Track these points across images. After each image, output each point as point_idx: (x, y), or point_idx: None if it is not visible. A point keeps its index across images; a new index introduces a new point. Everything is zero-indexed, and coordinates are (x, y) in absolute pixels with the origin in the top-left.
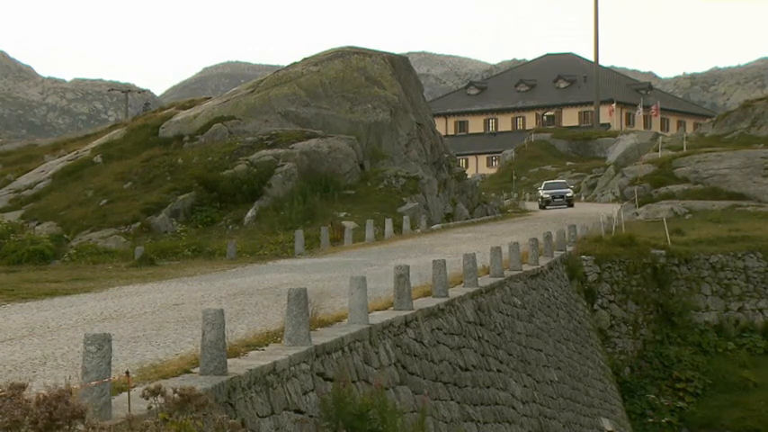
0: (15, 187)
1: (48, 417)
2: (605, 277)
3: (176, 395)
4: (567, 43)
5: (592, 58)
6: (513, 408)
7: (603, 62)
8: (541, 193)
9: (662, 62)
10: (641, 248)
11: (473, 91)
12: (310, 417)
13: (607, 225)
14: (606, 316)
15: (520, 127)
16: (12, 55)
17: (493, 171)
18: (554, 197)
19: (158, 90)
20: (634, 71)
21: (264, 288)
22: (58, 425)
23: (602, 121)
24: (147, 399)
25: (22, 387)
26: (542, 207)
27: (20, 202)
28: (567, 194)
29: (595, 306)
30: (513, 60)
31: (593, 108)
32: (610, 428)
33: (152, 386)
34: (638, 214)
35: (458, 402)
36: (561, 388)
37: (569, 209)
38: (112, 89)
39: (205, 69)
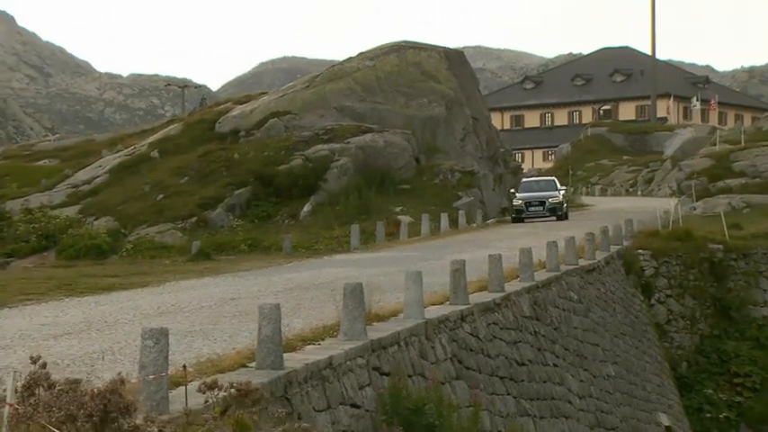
0: (73, 182)
1: (102, 410)
2: (662, 272)
3: (233, 390)
4: (624, 37)
5: (649, 52)
6: (570, 402)
7: (660, 56)
8: (515, 199)
9: (719, 55)
10: (698, 243)
11: (529, 85)
12: (366, 411)
13: (664, 219)
14: (663, 311)
15: (576, 121)
16: (69, 50)
17: (549, 165)
18: (530, 204)
19: (215, 85)
20: (691, 65)
21: (320, 283)
22: (113, 418)
23: (658, 115)
24: (204, 393)
25: (78, 382)
26: (516, 220)
27: (77, 197)
28: (553, 200)
29: (652, 301)
30: (570, 54)
31: (649, 102)
32: (667, 423)
33: (209, 380)
34: (695, 208)
35: (514, 397)
36: (618, 383)
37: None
38: (169, 84)
39: (261, 64)
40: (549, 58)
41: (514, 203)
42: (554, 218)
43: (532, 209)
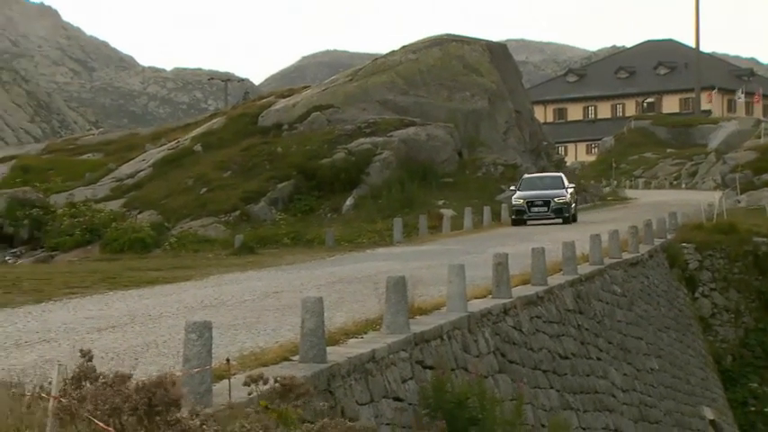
0: (117, 176)
1: (147, 403)
2: (706, 265)
3: (277, 384)
4: (668, 29)
5: (692, 45)
6: (614, 396)
7: (704, 48)
8: (514, 198)
9: (764, 48)
10: (743, 236)
11: (572, 78)
12: (409, 404)
13: (708, 212)
14: (707, 304)
15: (619, 114)
16: (113, 44)
17: (592, 159)
18: (533, 204)
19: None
20: (735, 57)
21: (363, 276)
22: (158, 411)
23: (702, 108)
24: (249, 386)
25: (123, 375)
26: (517, 222)
27: (121, 191)
28: (559, 199)
29: (696, 294)
30: (613, 47)
31: (693, 95)
32: (711, 417)
33: (254, 374)
34: (739, 201)
35: (557, 390)
36: (662, 376)
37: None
38: (212, 78)
39: (304, 58)
40: (592, 50)
41: (514, 203)
42: (560, 220)
43: (535, 209)
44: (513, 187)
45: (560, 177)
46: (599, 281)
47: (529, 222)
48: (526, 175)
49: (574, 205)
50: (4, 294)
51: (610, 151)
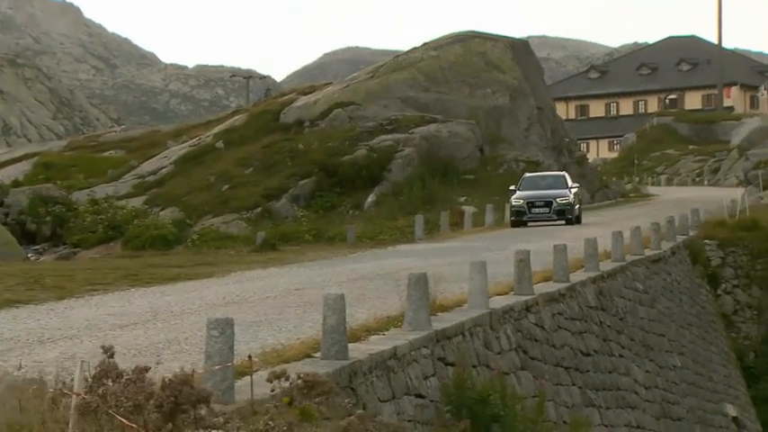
0: (139, 173)
1: (173, 401)
2: (729, 262)
3: (300, 381)
4: (690, 25)
5: (715, 41)
6: (636, 393)
7: (727, 44)
8: (514, 198)
9: None
10: (765, 232)
11: (594, 75)
12: (431, 401)
13: (730, 209)
14: (730, 301)
15: (641, 111)
16: (135, 42)
17: (614, 155)
18: (534, 205)
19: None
20: (758, 53)
21: (384, 273)
22: (183, 409)
23: (725, 104)
24: (271, 382)
25: (146, 371)
26: (516, 223)
27: (143, 188)
28: (561, 199)
29: (719, 291)
30: (635, 44)
31: (716, 91)
32: (734, 414)
33: (277, 370)
34: (762, 198)
35: (579, 387)
36: (684, 373)
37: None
38: (234, 75)
39: (325, 55)
40: (614, 47)
41: (513, 203)
42: (563, 222)
43: (536, 210)
44: (512, 187)
45: (563, 176)
46: (621, 278)
47: (530, 224)
48: (527, 174)
49: (578, 206)
50: (26, 291)
51: (632, 148)
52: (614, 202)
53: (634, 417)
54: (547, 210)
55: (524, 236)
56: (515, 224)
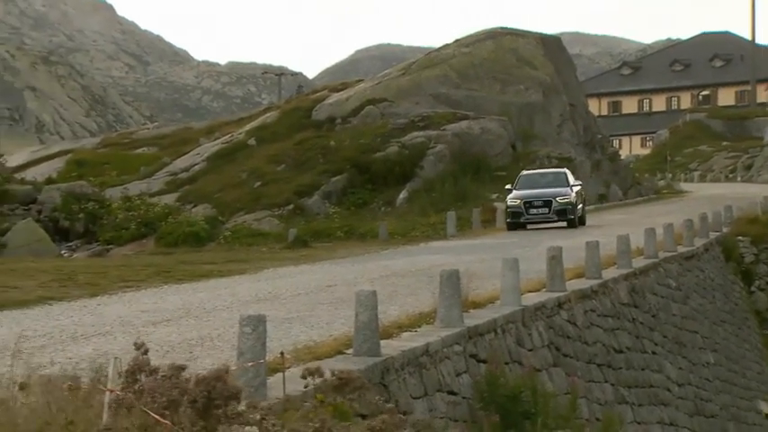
0: (171, 170)
1: (206, 397)
2: (762, 258)
3: (333, 378)
4: (723, 21)
5: (748, 37)
6: (669, 390)
7: (760, 40)
8: (510, 197)
9: None
10: None
11: (626, 71)
12: (463, 398)
13: (764, 205)
14: (764, 298)
15: (674, 107)
16: (168, 39)
17: (646, 152)
18: (531, 205)
19: (311, 73)
20: None
21: (416, 269)
22: (217, 405)
23: (758, 101)
24: (305, 379)
25: (180, 368)
26: (513, 225)
27: (176, 185)
28: (562, 199)
29: (752, 288)
30: (668, 40)
31: (749, 87)
32: (767, 411)
33: (310, 367)
34: None
35: (612, 384)
36: (717, 370)
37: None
38: (266, 72)
39: (357, 52)
40: (647, 43)
41: (509, 203)
42: (564, 223)
43: (534, 211)
44: (509, 186)
45: (564, 174)
46: (654, 274)
47: (529, 226)
48: (524, 172)
49: (581, 206)
50: (60, 288)
51: (664, 144)
52: (647, 198)
53: (667, 414)
54: (546, 210)
55: (556, 232)
56: (512, 226)
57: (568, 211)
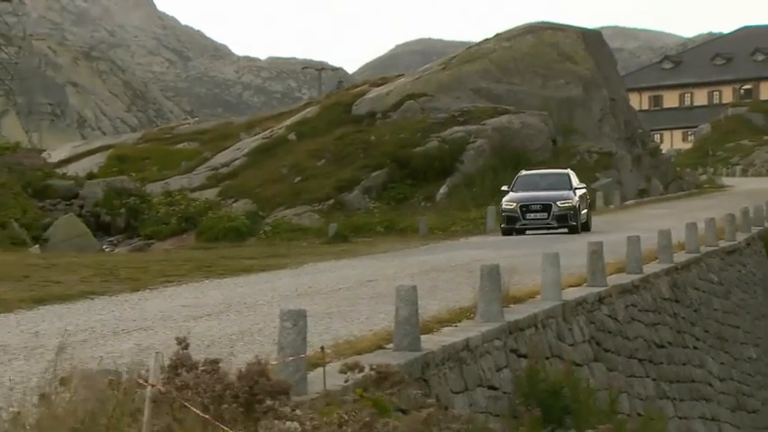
0: (212, 165)
1: (248, 392)
2: None
3: (373, 372)
4: (765, 15)
5: None
6: (710, 385)
7: None
8: (505, 200)
9: None
10: None
11: (668, 65)
12: (504, 393)
13: None
14: None
15: (716, 101)
16: (208, 34)
17: (688, 146)
18: (529, 209)
19: (351, 68)
20: None
21: (456, 264)
22: (259, 400)
23: None
24: (345, 374)
25: (219, 362)
26: (508, 231)
27: (216, 180)
28: (563, 203)
29: None
30: (709, 34)
31: None
32: None
33: (350, 362)
34: None
35: (653, 379)
36: (759, 365)
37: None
38: (306, 67)
39: (397, 46)
40: (688, 37)
41: (504, 207)
42: (565, 230)
43: (531, 216)
44: (505, 187)
45: (567, 175)
46: (695, 269)
47: (527, 232)
48: (523, 172)
49: (585, 211)
50: (101, 282)
51: (706, 139)
52: (688, 193)
53: (708, 409)
54: (545, 215)
55: (597, 227)
56: (506, 232)
57: (570, 217)
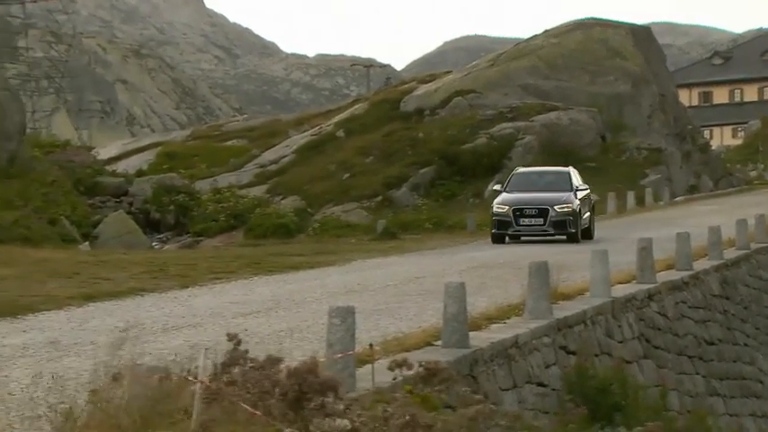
0: (260, 162)
1: (297, 389)
2: None
3: (421, 369)
4: None
5: None
6: (761, 382)
7: None
8: (497, 202)
9: None
10: None
11: (717, 61)
12: (552, 390)
13: None
14: None
15: (766, 97)
16: (256, 32)
17: (738, 142)
18: (522, 213)
19: (399, 65)
20: None
21: (504, 261)
22: (308, 397)
23: None
24: (393, 371)
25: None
26: (499, 237)
27: (265, 177)
28: (561, 207)
29: None
30: (760, 29)
31: None
32: None
33: (398, 358)
34: None
35: (703, 377)
36: None
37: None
38: (354, 64)
39: (445, 43)
40: (738, 33)
41: (495, 210)
42: (563, 237)
43: (525, 221)
44: (497, 186)
45: (568, 174)
46: (745, 266)
47: (522, 238)
48: (519, 169)
49: (587, 215)
50: (151, 279)
51: (756, 135)
52: (738, 189)
53: (759, 406)
54: (541, 221)
55: (646, 223)
56: (497, 239)
57: (569, 223)
